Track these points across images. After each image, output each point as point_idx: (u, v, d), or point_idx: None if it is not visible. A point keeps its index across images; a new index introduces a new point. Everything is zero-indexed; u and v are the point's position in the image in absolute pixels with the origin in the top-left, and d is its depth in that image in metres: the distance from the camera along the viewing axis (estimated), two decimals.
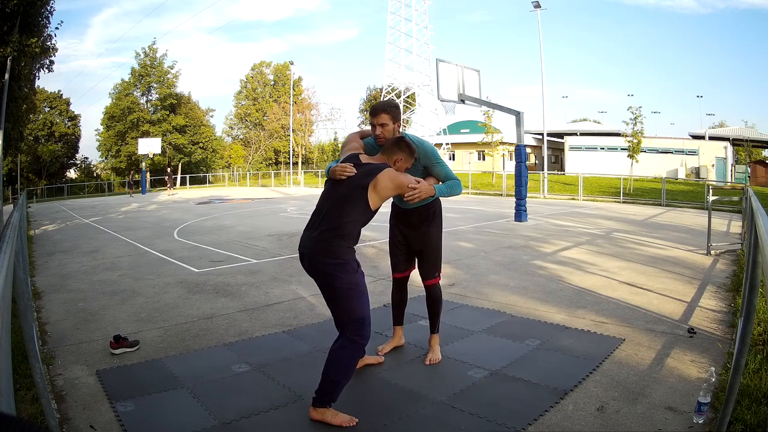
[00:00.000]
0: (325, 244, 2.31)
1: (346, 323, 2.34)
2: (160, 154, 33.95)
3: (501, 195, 19.34)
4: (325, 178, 2.53)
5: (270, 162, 45.79)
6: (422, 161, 2.74)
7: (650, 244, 7.34)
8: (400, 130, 2.75)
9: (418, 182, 2.46)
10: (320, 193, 2.52)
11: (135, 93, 37.49)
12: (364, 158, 2.51)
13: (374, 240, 7.52)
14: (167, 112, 37.38)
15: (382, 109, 2.70)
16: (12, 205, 14.02)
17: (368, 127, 2.84)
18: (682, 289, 4.68)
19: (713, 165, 29.89)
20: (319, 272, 2.34)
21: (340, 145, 50.93)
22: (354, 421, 2.32)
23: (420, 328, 3.50)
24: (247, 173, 37.90)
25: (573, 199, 17.76)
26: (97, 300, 4.54)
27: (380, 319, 3.75)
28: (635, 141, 21.23)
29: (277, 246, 7.47)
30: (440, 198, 2.91)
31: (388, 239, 3.11)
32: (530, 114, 53.62)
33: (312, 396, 2.36)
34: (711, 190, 7.57)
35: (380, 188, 2.36)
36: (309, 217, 2.46)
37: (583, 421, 2.28)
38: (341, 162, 2.49)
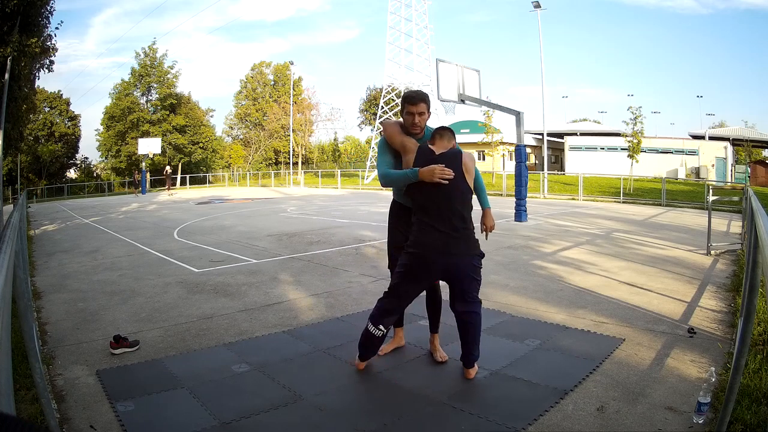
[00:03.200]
0: (473, 242, 2.61)
1: (473, 297, 2.73)
2: (160, 154, 33.92)
3: (501, 195, 19.32)
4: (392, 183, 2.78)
5: (270, 162, 45.78)
6: None
7: (650, 244, 7.34)
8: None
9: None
10: (418, 195, 2.67)
11: (135, 93, 37.45)
12: (433, 149, 2.68)
13: (374, 240, 7.51)
14: (167, 112, 37.34)
15: (422, 98, 2.77)
16: (12, 205, 14.02)
17: (390, 121, 2.91)
18: (682, 289, 4.68)
19: (713, 165, 29.88)
20: (467, 265, 2.62)
21: (340, 145, 51.04)
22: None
23: (420, 328, 3.50)
24: (247, 173, 37.89)
25: (573, 199, 17.75)
26: (97, 300, 4.54)
27: None
28: (635, 141, 21.24)
29: (277, 246, 7.47)
30: None
31: (387, 240, 3.10)
32: (530, 114, 53.77)
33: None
34: (711, 190, 7.56)
35: (468, 168, 2.64)
36: (429, 219, 2.63)
37: (583, 421, 2.28)
38: (420, 162, 2.64)
